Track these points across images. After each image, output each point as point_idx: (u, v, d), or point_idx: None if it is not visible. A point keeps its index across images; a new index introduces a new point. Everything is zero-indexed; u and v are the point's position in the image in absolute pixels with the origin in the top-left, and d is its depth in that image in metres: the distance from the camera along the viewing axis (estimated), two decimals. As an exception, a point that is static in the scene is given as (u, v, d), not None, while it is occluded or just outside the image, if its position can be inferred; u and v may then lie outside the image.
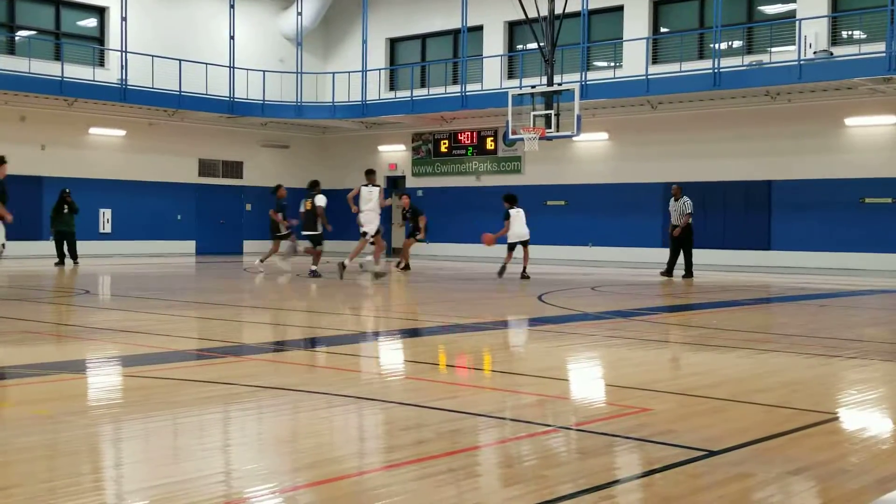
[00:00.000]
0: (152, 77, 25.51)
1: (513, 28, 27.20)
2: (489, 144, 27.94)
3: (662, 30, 24.88)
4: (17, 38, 25.10)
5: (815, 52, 21.16)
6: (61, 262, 20.78)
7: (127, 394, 5.91)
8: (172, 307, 11.58)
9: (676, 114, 24.06)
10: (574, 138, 22.75)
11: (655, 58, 23.99)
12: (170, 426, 4.92)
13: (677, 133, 24.22)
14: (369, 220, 16.28)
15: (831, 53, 21.14)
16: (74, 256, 21.12)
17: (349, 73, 28.74)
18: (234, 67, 27.38)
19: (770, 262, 22.65)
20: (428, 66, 28.78)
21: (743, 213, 23.26)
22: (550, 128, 19.98)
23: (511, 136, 21.23)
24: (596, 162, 25.80)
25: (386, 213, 23.48)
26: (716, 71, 21.62)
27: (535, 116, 20.17)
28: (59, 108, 25.00)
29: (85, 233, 22.84)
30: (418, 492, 3.64)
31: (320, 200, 16.88)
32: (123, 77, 24.93)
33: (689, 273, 18.24)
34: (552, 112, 19.95)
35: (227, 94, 27.29)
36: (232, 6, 27.80)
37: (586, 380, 6.86)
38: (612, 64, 24.94)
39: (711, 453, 4.21)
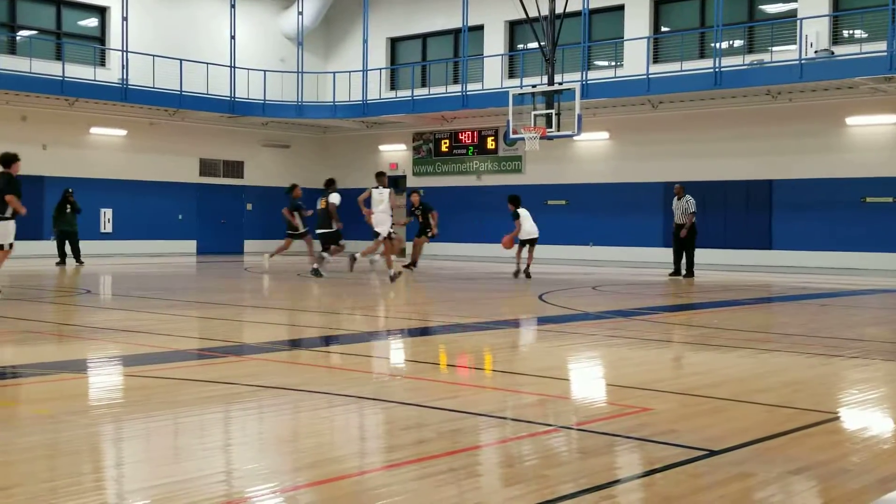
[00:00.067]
0: (153, 77, 25.51)
1: (513, 27, 27.20)
2: (490, 144, 27.94)
3: (663, 29, 24.87)
4: (18, 37, 25.11)
5: (816, 52, 21.16)
6: (62, 262, 20.79)
7: (128, 393, 5.91)
8: (173, 307, 11.59)
9: (677, 113, 24.05)
10: (575, 138, 22.75)
11: (656, 57, 23.98)
12: (171, 426, 4.92)
13: (678, 132, 24.22)
14: (381, 221, 16.31)
15: (832, 53, 21.13)
16: (78, 256, 21.13)
17: (350, 72, 28.74)
18: (234, 67, 27.38)
19: (771, 261, 22.64)
20: (429, 65, 28.78)
21: (744, 213, 23.25)
22: (551, 127, 19.98)
23: (512, 136, 21.23)
24: (597, 161, 25.79)
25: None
26: (717, 70, 21.61)
27: (535, 116, 20.17)
28: (60, 107, 25.00)
29: (86, 232, 22.84)
30: (419, 491, 3.64)
31: (334, 198, 17.01)
32: (124, 77, 24.93)
33: (690, 273, 18.23)
34: (553, 111, 19.96)
35: (228, 94, 27.29)
36: (233, 6, 27.80)
37: (587, 379, 6.86)
38: (613, 63, 24.93)
39: (712, 453, 4.21)
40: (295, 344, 8.15)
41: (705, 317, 11.27)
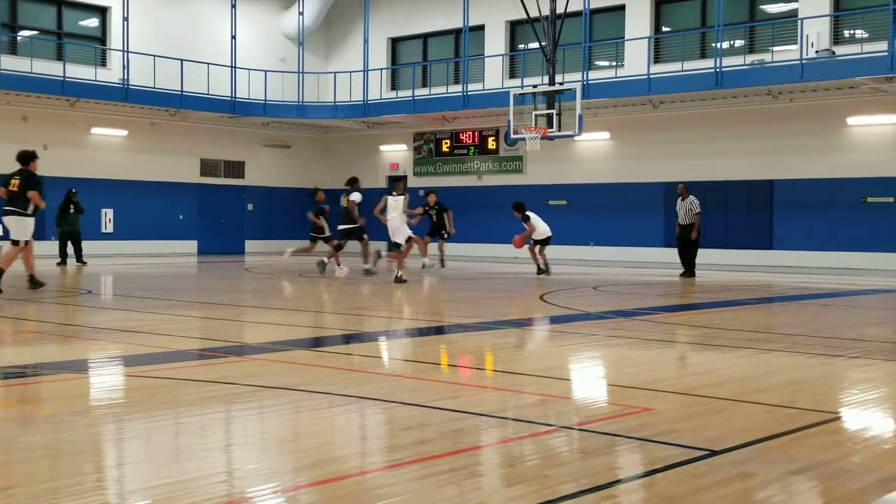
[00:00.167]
0: (154, 77, 25.52)
1: (514, 27, 27.20)
2: (491, 144, 27.94)
3: (664, 29, 24.87)
4: (19, 38, 25.12)
5: (816, 52, 21.15)
6: (64, 263, 20.80)
7: (129, 393, 5.91)
8: (174, 307, 11.59)
9: (678, 113, 24.05)
10: (576, 138, 22.75)
11: (657, 57, 23.97)
12: (172, 426, 4.92)
13: (679, 132, 24.21)
14: (398, 229, 16.32)
15: (833, 53, 21.12)
16: (80, 257, 21.15)
17: (351, 72, 28.75)
18: (235, 67, 27.39)
19: (772, 261, 22.64)
20: (429, 65, 28.79)
21: (745, 213, 23.25)
22: (552, 127, 19.98)
23: (513, 136, 21.23)
24: (597, 161, 25.79)
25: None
26: (717, 70, 21.60)
27: (536, 116, 20.17)
28: (61, 108, 25.02)
29: (87, 233, 22.85)
30: (420, 491, 3.64)
31: (355, 197, 17.08)
32: (125, 77, 24.94)
33: (691, 272, 18.24)
34: (554, 111, 19.96)
35: (229, 94, 27.30)
36: (233, 6, 27.81)
37: (588, 379, 6.86)
38: (614, 63, 24.93)
39: (713, 453, 4.21)
40: (295, 344, 8.15)
41: (706, 317, 11.26)
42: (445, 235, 20.02)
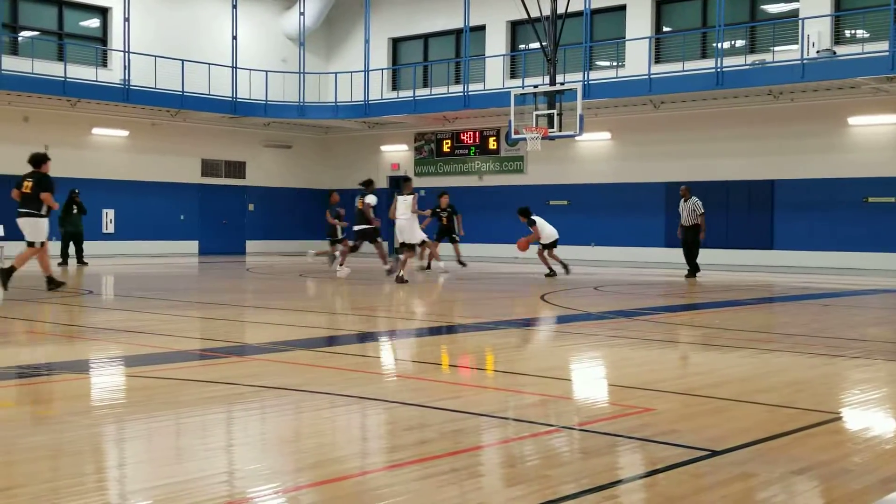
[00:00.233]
0: (155, 77, 25.53)
1: (515, 28, 27.20)
2: (491, 144, 27.95)
3: (665, 29, 24.86)
4: (20, 38, 25.13)
5: (818, 52, 21.15)
6: (65, 263, 20.81)
7: (130, 394, 5.91)
8: (175, 307, 11.60)
9: (679, 113, 24.05)
10: (576, 138, 22.75)
11: (658, 57, 23.97)
12: (172, 426, 4.92)
13: (680, 133, 24.21)
14: (410, 229, 16.29)
15: (834, 53, 21.12)
16: (81, 257, 21.16)
17: (352, 73, 28.75)
18: (236, 67, 27.40)
19: (773, 261, 22.63)
20: (430, 65, 28.79)
21: (746, 213, 23.24)
22: (553, 127, 19.98)
23: (513, 136, 21.23)
24: (598, 161, 25.79)
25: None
26: (718, 70, 21.60)
27: (537, 116, 20.17)
28: (62, 108, 25.03)
29: (88, 233, 22.86)
30: (421, 492, 3.64)
31: (370, 199, 17.07)
32: (126, 77, 24.95)
33: (691, 273, 18.25)
34: (555, 112, 19.96)
35: (230, 95, 27.31)
36: (234, 6, 27.82)
37: (589, 380, 6.86)
38: (615, 63, 24.93)
39: (714, 453, 4.21)
40: (296, 344, 8.15)
41: (707, 317, 11.26)
42: (457, 238, 20.03)
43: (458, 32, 27.95)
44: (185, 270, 20.66)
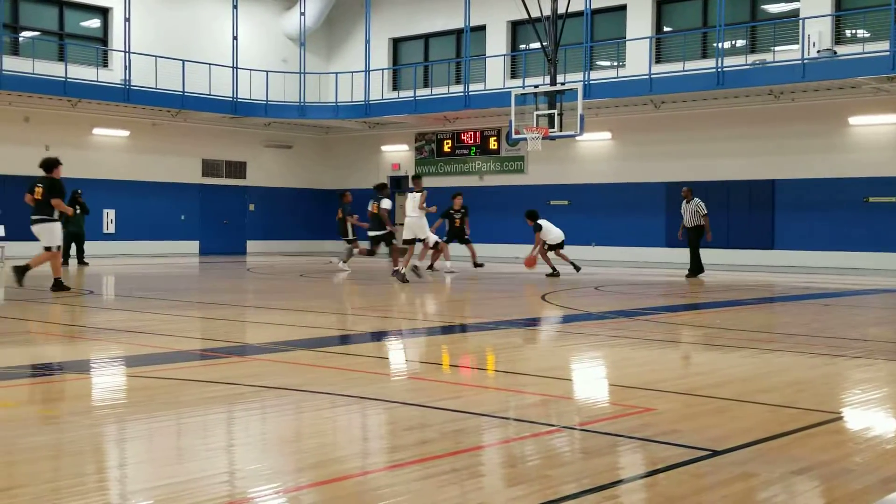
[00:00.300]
0: (156, 77, 25.54)
1: (516, 28, 27.19)
2: (492, 144, 27.94)
3: (665, 29, 24.86)
4: (20, 38, 25.14)
5: (818, 51, 21.14)
6: (66, 263, 20.79)
7: (131, 394, 5.91)
8: (176, 307, 11.60)
9: (680, 113, 24.04)
10: (577, 138, 22.75)
11: (659, 57, 23.96)
12: (173, 426, 4.92)
13: (680, 132, 24.21)
14: (419, 227, 16.28)
15: (835, 52, 21.11)
16: (82, 258, 21.15)
17: (352, 73, 28.76)
18: (237, 68, 27.40)
19: (774, 261, 22.63)
20: (431, 65, 28.79)
21: (747, 213, 23.24)
22: (553, 127, 19.97)
23: (514, 136, 21.22)
24: (599, 161, 25.78)
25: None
26: (719, 70, 21.60)
27: (538, 116, 20.16)
28: (62, 108, 25.04)
29: (89, 233, 22.86)
30: (422, 492, 3.64)
31: (385, 203, 17.03)
32: (127, 77, 24.96)
33: (692, 273, 18.25)
34: (555, 112, 19.95)
35: (231, 95, 27.31)
36: (235, 7, 27.82)
37: (590, 379, 6.86)
38: (616, 63, 24.92)
39: (715, 453, 4.21)
40: (297, 344, 8.15)
41: (708, 317, 11.26)
42: (469, 239, 20.05)
43: (458, 32, 27.95)
44: (185, 270, 20.66)
